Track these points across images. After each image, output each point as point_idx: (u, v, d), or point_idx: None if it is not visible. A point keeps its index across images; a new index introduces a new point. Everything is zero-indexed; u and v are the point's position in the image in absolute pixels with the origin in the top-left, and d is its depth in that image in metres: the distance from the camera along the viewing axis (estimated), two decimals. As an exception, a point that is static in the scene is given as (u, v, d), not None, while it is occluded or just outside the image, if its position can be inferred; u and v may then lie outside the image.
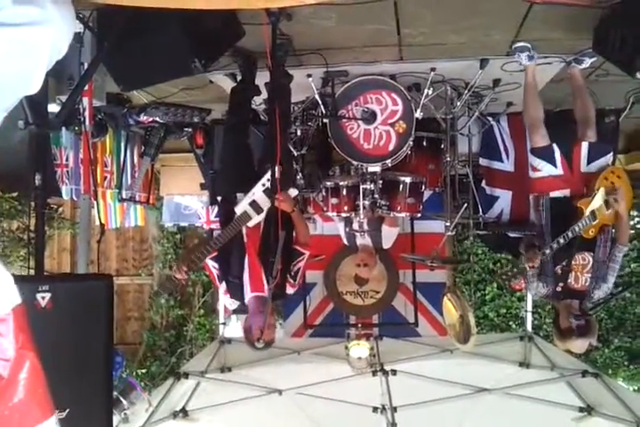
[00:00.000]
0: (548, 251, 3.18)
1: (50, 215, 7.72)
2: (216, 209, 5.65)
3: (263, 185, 3.22)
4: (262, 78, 3.33)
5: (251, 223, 3.25)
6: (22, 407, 1.23)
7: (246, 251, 3.25)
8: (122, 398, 3.04)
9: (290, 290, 3.50)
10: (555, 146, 3.43)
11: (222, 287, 3.42)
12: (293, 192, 3.31)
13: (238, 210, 3.27)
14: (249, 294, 3.18)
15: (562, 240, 3.18)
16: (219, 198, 3.61)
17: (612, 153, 3.54)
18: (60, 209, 8.50)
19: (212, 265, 3.41)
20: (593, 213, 3.22)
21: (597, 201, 3.23)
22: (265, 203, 3.20)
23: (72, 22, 1.41)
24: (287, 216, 3.30)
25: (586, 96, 3.61)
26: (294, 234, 3.46)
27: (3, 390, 1.21)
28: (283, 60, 3.30)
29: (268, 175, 3.13)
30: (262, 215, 3.23)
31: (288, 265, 3.39)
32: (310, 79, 3.69)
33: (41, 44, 1.34)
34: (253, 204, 3.24)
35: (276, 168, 2.93)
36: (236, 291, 3.32)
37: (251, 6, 1.88)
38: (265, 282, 3.17)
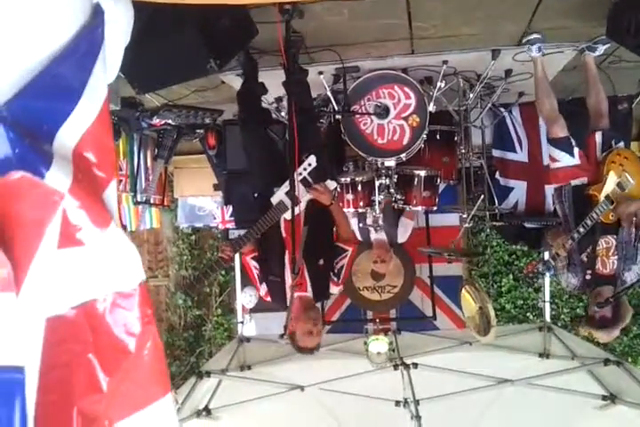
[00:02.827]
0: (570, 242, 3.17)
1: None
2: (230, 209, 5.67)
3: (300, 174, 3.07)
4: (277, 77, 3.32)
5: (288, 215, 3.10)
6: (145, 383, 1.25)
7: (286, 247, 3.14)
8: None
9: (334, 289, 3.37)
10: (570, 136, 3.42)
11: (263, 289, 3.32)
12: (332, 184, 3.21)
13: (274, 200, 3.18)
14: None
15: (582, 229, 3.17)
16: (255, 195, 3.49)
17: (623, 141, 3.51)
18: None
19: (253, 265, 3.32)
20: (608, 197, 3.20)
21: (610, 185, 3.21)
22: (302, 193, 3.08)
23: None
24: (327, 211, 3.20)
25: (598, 86, 3.58)
26: (336, 229, 3.36)
27: (130, 365, 1.21)
28: (296, 58, 3.29)
29: (305, 164, 3.05)
30: (301, 206, 3.05)
31: (331, 263, 3.29)
32: (322, 76, 3.70)
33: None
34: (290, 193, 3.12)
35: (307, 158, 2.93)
36: (277, 292, 3.21)
37: (268, 0, 1.87)
38: (308, 280, 3.10)
